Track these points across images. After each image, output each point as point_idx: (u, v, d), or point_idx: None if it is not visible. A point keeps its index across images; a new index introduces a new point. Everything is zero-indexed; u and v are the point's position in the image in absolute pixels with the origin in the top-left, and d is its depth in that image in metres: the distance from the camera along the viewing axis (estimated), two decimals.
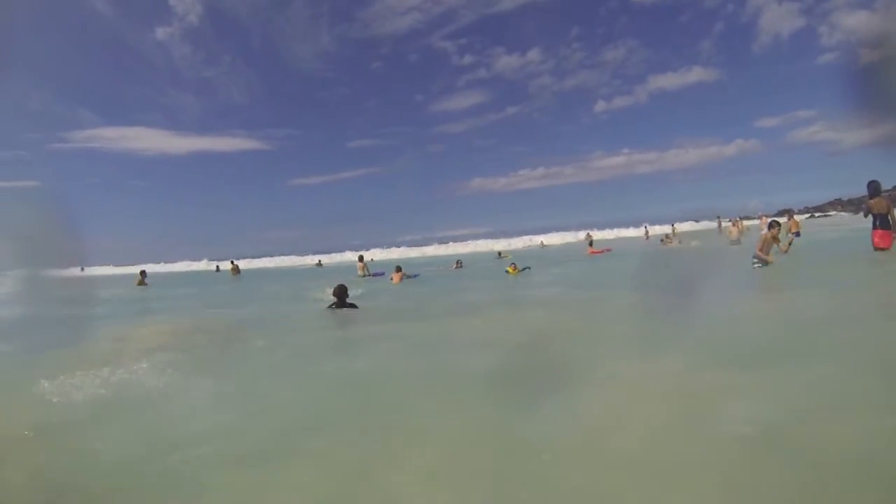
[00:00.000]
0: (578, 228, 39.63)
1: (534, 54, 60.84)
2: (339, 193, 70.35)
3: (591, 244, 23.54)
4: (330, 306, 7.95)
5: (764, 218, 23.63)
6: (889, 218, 8.17)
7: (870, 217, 8.43)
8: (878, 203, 8.22)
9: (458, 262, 19.61)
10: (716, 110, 67.21)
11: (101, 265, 43.58)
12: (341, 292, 7.93)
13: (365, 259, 19.24)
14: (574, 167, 72.24)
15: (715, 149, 62.50)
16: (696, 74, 57.99)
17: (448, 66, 60.83)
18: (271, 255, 48.34)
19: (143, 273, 20.13)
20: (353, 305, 8.00)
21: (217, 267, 28.13)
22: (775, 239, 9.19)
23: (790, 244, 10.27)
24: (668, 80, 60.91)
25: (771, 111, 67.25)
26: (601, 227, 40.44)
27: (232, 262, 26.89)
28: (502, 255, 24.23)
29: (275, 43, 62.24)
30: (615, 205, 70.81)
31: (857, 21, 46.85)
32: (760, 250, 8.85)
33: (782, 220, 21.21)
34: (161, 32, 54.53)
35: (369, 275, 17.42)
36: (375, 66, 65.35)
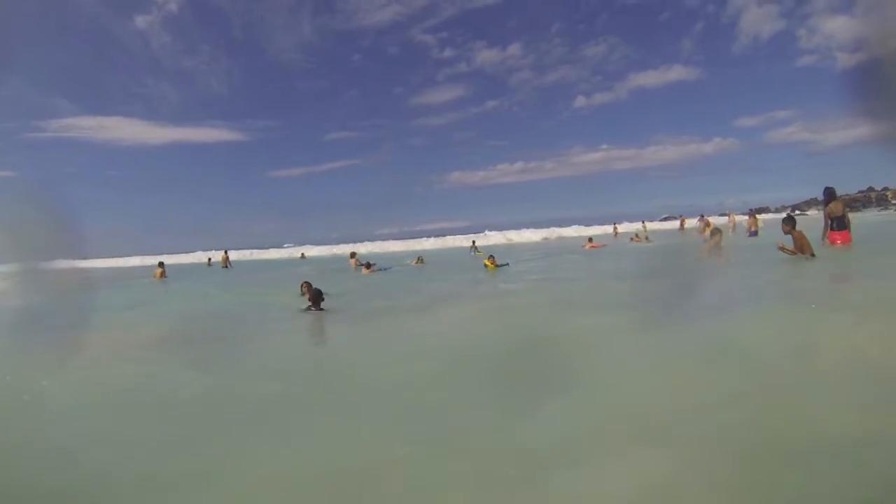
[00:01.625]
0: (561, 224, 39.53)
1: (514, 49, 61.13)
2: (318, 186, 69.96)
3: (590, 239, 23.71)
4: (307, 308, 7.94)
5: (732, 216, 23.98)
6: (845, 219, 9.08)
7: (827, 222, 9.26)
8: (834, 207, 9.07)
9: (419, 258, 19.65)
10: (695, 109, 68.42)
11: (79, 258, 43.00)
12: (316, 296, 8.00)
13: (357, 253, 19.87)
14: (553, 162, 72.84)
15: (693, 147, 63.66)
16: (676, 73, 58.87)
17: (428, 60, 60.88)
18: (250, 248, 47.65)
19: (161, 265, 19.86)
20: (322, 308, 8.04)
21: (209, 260, 27.71)
22: (717, 246, 9.72)
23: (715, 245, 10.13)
24: (648, 78, 61.78)
25: (750, 111, 68.84)
26: (580, 223, 40.42)
27: (225, 253, 27.08)
28: (477, 252, 24.18)
29: (255, 33, 61.55)
30: (593, 200, 71.53)
31: (835, 25, 48.11)
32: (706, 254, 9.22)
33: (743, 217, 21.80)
34: (141, 21, 53.49)
35: (361, 265, 17.31)
36: (356, 58, 65.01)
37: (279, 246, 45.96)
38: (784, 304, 5.93)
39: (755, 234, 18.08)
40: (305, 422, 3.17)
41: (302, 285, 9.27)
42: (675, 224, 32.23)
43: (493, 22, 61.01)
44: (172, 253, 45.22)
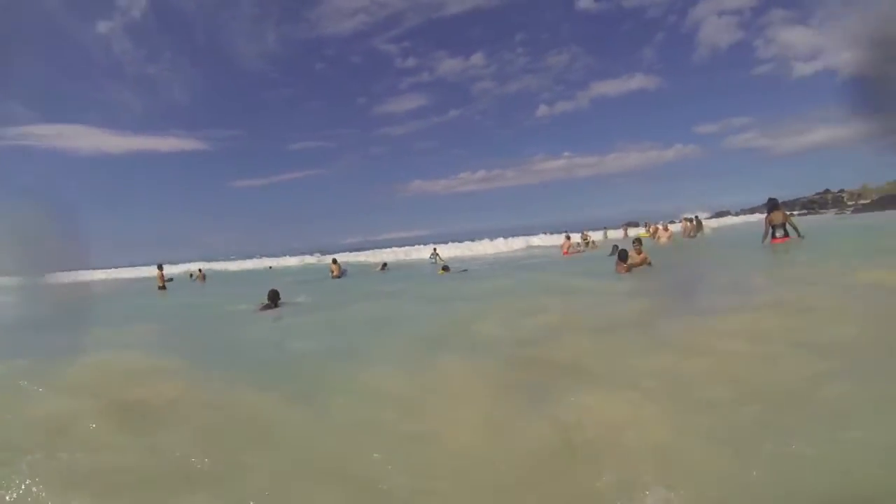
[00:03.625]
0: (528, 233, 39.68)
1: (477, 58, 63.04)
2: (281, 195, 70.52)
3: (568, 237, 24.17)
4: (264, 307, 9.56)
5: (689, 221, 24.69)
6: (786, 225, 10.43)
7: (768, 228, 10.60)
8: (775, 216, 10.49)
9: (383, 265, 21.49)
10: (656, 116, 71.26)
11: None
12: (274, 296, 9.76)
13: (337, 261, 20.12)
14: (515, 170, 74.76)
15: (655, 153, 66.20)
16: (637, 81, 61.31)
17: (391, 69, 62.29)
18: (215, 259, 47.76)
19: (160, 267, 18.92)
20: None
21: (191, 274, 27.58)
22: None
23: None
24: (609, 87, 64.17)
25: (709, 118, 72.27)
26: (545, 230, 40.26)
27: (199, 270, 27.25)
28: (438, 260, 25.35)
29: (219, 41, 61.93)
30: (557, 207, 73.64)
31: (791, 35, 51.40)
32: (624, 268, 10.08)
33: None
34: (102, 26, 53.34)
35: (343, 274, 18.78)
36: (319, 67, 65.94)
37: (250, 257, 46.41)
38: None
39: (693, 237, 20.03)
40: None
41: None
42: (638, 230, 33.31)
43: (456, 31, 62.63)
44: (129, 266, 45.09)
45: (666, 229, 20.00)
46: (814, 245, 10.32)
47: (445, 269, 15.80)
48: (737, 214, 54.20)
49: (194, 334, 8.15)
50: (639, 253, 10.18)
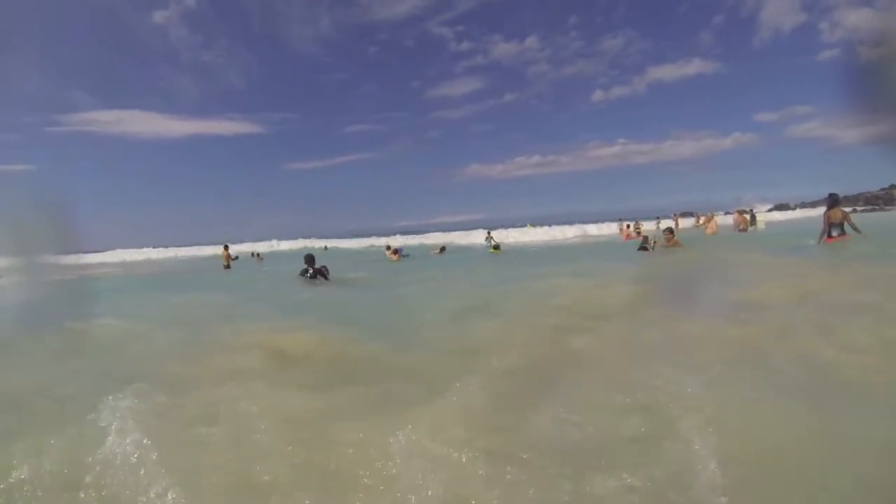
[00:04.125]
0: (582, 220, 39.24)
1: (531, 42, 62.68)
2: (334, 178, 72.29)
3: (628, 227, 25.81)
4: (303, 274, 10.50)
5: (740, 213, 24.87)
6: (844, 224, 9.85)
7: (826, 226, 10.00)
8: (835, 213, 9.87)
9: (441, 248, 22.65)
10: (714, 103, 69.04)
11: (100, 251, 45.32)
12: (310, 259, 10.75)
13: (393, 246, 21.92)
14: (570, 156, 74.16)
15: (712, 141, 64.27)
16: (694, 66, 59.65)
17: (445, 52, 62.71)
18: (268, 239, 49.54)
19: (227, 248, 20.17)
20: (323, 275, 10.54)
21: (252, 253, 28.56)
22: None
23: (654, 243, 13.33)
24: (666, 72, 62.51)
25: (769, 106, 69.00)
26: (598, 218, 39.77)
27: (258, 254, 28.71)
28: (490, 242, 26.27)
29: (274, 26, 63.82)
30: (610, 195, 72.59)
31: (858, 18, 48.65)
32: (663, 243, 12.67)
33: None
34: (159, 15, 55.92)
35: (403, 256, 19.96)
36: (373, 51, 66.98)
37: (305, 237, 48.24)
38: None
39: (744, 231, 20.01)
40: None
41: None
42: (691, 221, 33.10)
43: (509, 15, 62.50)
44: (186, 245, 46.74)
45: (709, 220, 20.45)
46: (876, 244, 9.55)
47: (497, 248, 17.75)
48: (794, 208, 52.27)
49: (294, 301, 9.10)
50: (668, 240, 12.66)
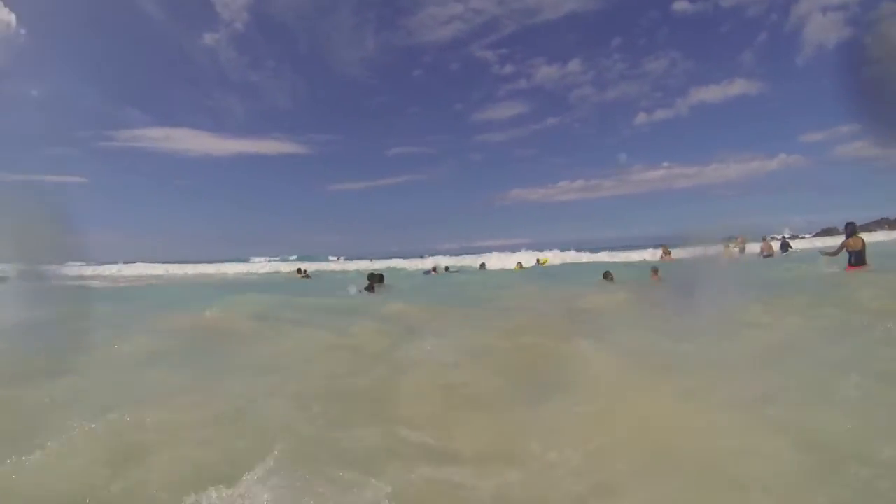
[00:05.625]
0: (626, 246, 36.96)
1: (574, 65, 63.83)
2: (378, 200, 74.50)
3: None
4: (364, 289, 12.74)
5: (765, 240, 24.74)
6: (863, 254, 9.81)
7: (843, 254, 10.14)
8: (854, 242, 9.88)
9: (482, 265, 26.47)
10: (758, 124, 67.43)
11: (148, 262, 48.36)
12: (373, 277, 13.26)
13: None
14: (614, 180, 74.24)
15: (757, 163, 63.10)
16: (738, 87, 59.00)
17: (489, 76, 64.55)
18: (313, 259, 50.45)
19: (300, 270, 24.85)
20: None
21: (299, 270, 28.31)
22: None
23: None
24: (709, 93, 62.36)
25: (815, 125, 67.40)
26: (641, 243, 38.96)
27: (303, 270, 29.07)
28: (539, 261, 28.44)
29: (320, 48, 66.79)
30: (655, 219, 72.16)
31: None
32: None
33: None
34: (209, 38, 60.21)
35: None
36: (417, 73, 69.47)
37: (351, 258, 49.91)
38: None
39: (769, 255, 21.02)
40: None
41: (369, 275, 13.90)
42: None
43: (552, 38, 63.57)
44: (231, 261, 46.21)
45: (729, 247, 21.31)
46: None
47: (519, 264, 22.95)
48: (841, 233, 51.09)
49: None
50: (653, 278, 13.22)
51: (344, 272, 31.16)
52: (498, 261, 30.00)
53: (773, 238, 23.79)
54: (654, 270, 13.60)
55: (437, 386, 4.10)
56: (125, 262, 45.73)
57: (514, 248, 35.28)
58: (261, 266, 41.84)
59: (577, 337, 5.07)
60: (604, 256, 31.52)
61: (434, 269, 24.58)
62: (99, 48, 59.98)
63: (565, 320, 6.97)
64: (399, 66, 69.85)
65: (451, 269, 25.31)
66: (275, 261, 46.57)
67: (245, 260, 47.11)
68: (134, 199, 67.75)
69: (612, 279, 13.46)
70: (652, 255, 28.99)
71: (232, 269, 39.60)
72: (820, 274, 10.81)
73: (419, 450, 3.01)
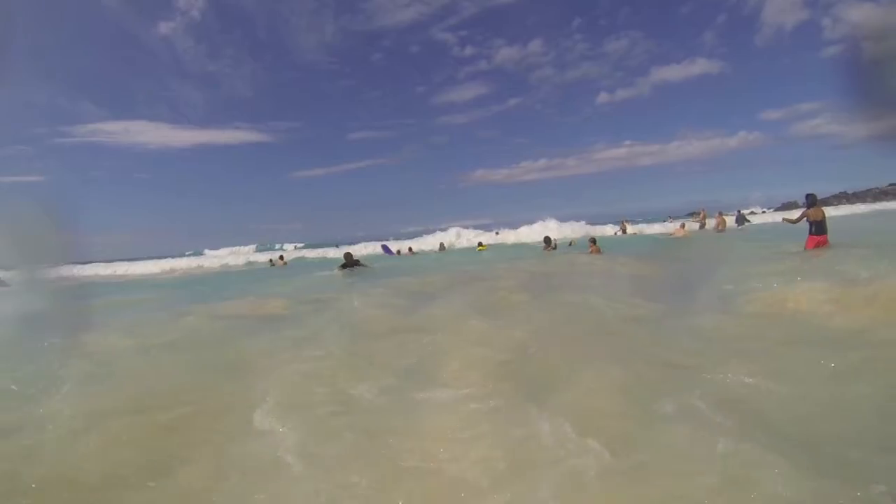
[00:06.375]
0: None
1: (535, 46, 63.66)
2: (341, 185, 73.29)
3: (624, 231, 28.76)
4: (342, 267, 13.35)
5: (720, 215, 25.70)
6: (824, 224, 10.00)
7: (804, 223, 10.24)
8: (815, 212, 10.11)
9: (441, 246, 28.73)
10: (719, 102, 69.13)
11: (106, 261, 46.12)
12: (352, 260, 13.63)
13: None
14: (576, 159, 74.93)
15: (718, 141, 64.47)
16: (699, 66, 60.04)
17: (449, 58, 64.04)
18: (280, 245, 49.46)
19: (281, 258, 26.48)
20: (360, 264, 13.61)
21: (270, 260, 28.19)
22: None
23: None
24: (671, 72, 63.21)
25: (774, 104, 69.10)
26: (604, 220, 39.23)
27: (281, 257, 28.54)
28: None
29: (279, 34, 64.81)
30: (618, 196, 73.03)
31: (860, 14, 49.18)
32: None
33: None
34: (164, 27, 57.21)
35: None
36: (377, 57, 68.13)
37: (316, 245, 49.01)
38: None
39: (721, 231, 21.43)
40: None
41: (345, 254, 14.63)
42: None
43: (513, 19, 63.29)
44: (188, 255, 46.02)
45: (682, 227, 22.56)
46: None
47: (480, 244, 24.94)
48: (802, 206, 52.41)
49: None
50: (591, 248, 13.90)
51: (306, 259, 31.49)
52: (456, 238, 31.36)
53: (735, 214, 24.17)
54: (593, 241, 14.34)
55: None
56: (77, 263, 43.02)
57: (486, 229, 35.01)
58: (220, 258, 40.35)
59: None
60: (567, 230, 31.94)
61: (398, 251, 26.45)
62: (51, 40, 57.25)
63: None
64: (359, 50, 68.63)
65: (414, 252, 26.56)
66: (235, 252, 45.21)
67: (200, 253, 45.27)
68: (92, 195, 64.84)
69: (554, 247, 14.88)
70: (612, 229, 30.58)
71: (194, 262, 37.66)
72: (776, 252, 10.32)
73: None
